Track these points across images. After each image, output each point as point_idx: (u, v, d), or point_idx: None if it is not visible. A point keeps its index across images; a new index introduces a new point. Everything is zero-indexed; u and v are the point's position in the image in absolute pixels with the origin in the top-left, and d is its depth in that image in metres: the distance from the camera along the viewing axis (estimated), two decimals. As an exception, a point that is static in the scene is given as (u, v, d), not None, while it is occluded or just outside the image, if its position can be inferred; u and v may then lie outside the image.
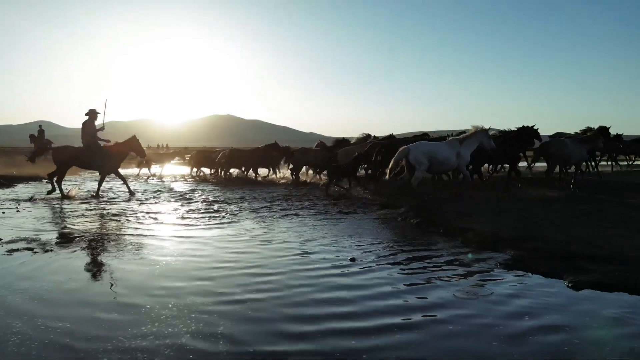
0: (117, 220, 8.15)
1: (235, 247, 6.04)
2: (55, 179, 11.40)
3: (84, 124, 11.60)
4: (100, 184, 11.89)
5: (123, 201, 10.87)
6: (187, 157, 23.63)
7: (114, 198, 11.47)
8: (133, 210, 9.35)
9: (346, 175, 13.01)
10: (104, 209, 9.51)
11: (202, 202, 10.77)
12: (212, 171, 20.62)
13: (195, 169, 21.10)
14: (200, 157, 20.59)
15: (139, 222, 7.95)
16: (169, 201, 11.13)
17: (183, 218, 8.49)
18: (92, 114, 11.57)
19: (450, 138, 11.78)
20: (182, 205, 10.24)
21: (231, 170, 20.21)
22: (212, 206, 10.05)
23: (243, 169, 20.00)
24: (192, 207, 9.88)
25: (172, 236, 6.77)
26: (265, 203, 10.62)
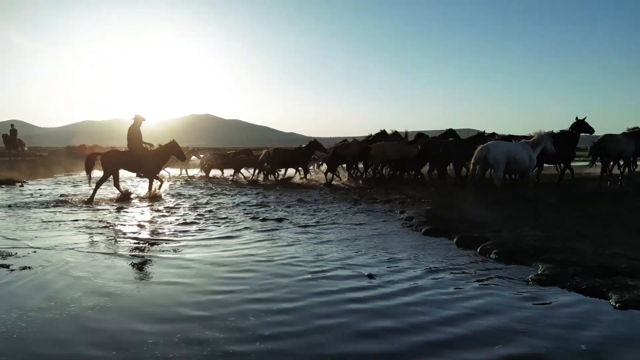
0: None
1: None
2: (100, 183, 11.56)
3: (130, 129, 11.75)
4: (150, 187, 12.14)
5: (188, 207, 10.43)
6: (202, 156, 23.22)
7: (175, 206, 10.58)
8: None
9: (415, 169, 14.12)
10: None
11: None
12: (256, 171, 19.63)
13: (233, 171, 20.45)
14: (241, 159, 20.20)
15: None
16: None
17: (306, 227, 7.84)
18: (138, 119, 11.77)
19: (522, 140, 11.97)
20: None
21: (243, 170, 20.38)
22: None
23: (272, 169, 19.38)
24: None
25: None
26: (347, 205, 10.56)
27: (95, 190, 11.13)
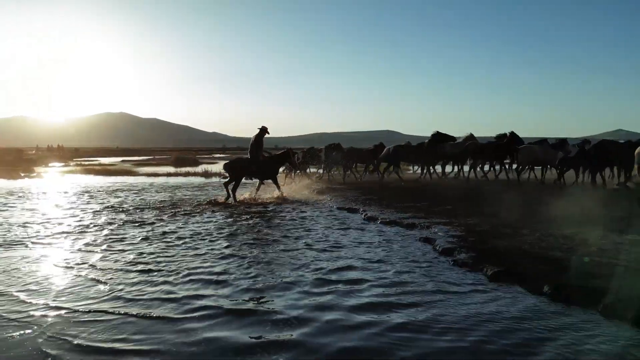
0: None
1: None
2: (230, 187, 12.16)
3: (256, 138, 12.59)
4: (258, 188, 12.85)
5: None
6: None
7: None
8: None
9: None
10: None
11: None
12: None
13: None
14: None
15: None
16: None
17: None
18: (264, 130, 12.61)
19: None
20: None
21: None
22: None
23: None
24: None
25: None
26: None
27: (234, 192, 12.02)
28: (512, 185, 14.72)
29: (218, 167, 30.44)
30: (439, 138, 17.02)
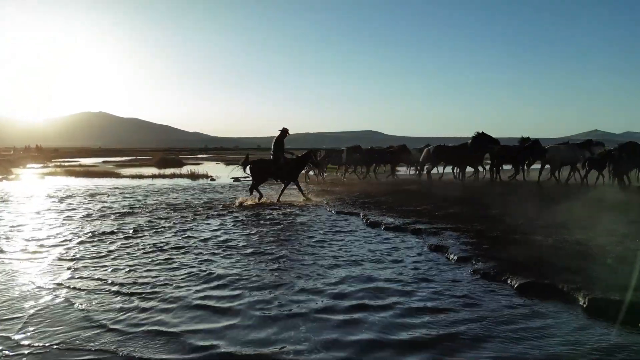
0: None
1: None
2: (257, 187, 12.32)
3: (277, 139, 12.67)
4: (283, 190, 12.90)
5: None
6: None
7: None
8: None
9: None
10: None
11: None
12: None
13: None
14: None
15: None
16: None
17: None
18: (285, 132, 12.66)
19: None
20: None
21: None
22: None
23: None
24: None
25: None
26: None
27: (258, 193, 12.34)
28: (518, 186, 14.61)
29: (203, 168, 30.11)
30: (483, 139, 16.33)
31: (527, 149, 16.32)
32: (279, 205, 11.82)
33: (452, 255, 6.10)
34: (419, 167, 18.66)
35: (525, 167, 16.92)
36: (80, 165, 34.08)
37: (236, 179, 21.50)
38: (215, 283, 5.09)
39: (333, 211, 10.57)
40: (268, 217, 9.90)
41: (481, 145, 16.37)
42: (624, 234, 6.96)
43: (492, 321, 3.95)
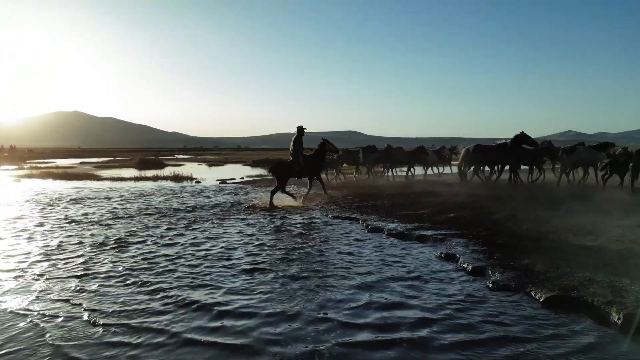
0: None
1: None
2: (282, 189, 12.45)
3: (296, 138, 12.75)
4: (310, 186, 13.36)
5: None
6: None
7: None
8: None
9: None
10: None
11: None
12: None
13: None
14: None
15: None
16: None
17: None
18: (301, 130, 12.77)
19: None
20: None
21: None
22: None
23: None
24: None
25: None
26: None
27: (288, 194, 12.53)
28: (517, 189, 14.40)
29: (186, 169, 29.50)
30: (523, 139, 15.75)
31: (543, 150, 16.38)
32: (274, 209, 11.49)
33: (465, 265, 5.87)
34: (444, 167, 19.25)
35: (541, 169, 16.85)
36: (58, 167, 33.01)
37: (222, 182, 21.10)
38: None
39: (329, 216, 10.27)
40: (267, 223, 9.52)
41: (521, 146, 15.88)
42: (633, 240, 6.79)
43: (537, 345, 3.67)
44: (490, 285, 5.13)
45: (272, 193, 12.33)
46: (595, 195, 12.01)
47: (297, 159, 12.68)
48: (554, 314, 4.30)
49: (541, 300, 4.57)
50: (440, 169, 21.70)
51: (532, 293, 4.74)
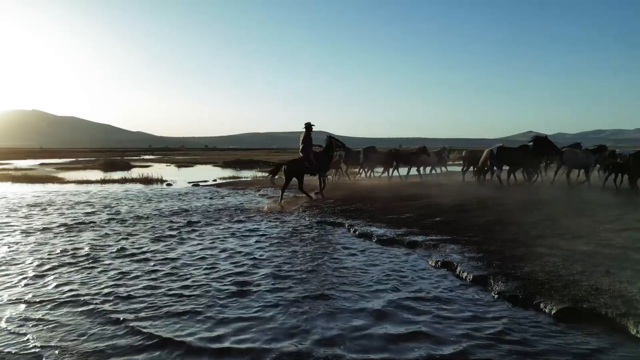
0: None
1: None
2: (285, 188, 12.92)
3: (305, 136, 12.85)
4: (323, 184, 13.49)
5: None
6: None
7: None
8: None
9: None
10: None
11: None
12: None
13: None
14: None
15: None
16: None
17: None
18: (310, 127, 12.83)
19: None
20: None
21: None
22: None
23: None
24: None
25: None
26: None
27: (282, 195, 12.77)
28: (497, 190, 14.43)
29: (154, 170, 28.31)
30: (545, 142, 15.38)
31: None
32: (266, 212, 11.04)
33: (465, 274, 5.67)
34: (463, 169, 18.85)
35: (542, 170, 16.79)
36: (16, 169, 31.09)
37: (195, 184, 20.38)
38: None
39: (313, 220, 9.94)
40: (241, 228, 9.08)
41: (543, 149, 15.62)
42: (631, 246, 6.67)
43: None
44: (496, 295, 4.94)
45: (299, 189, 12.87)
46: (585, 196, 12.13)
47: (309, 156, 12.82)
48: (567, 327, 4.13)
49: (552, 313, 4.39)
50: (439, 169, 21.40)
51: (541, 305, 4.57)
